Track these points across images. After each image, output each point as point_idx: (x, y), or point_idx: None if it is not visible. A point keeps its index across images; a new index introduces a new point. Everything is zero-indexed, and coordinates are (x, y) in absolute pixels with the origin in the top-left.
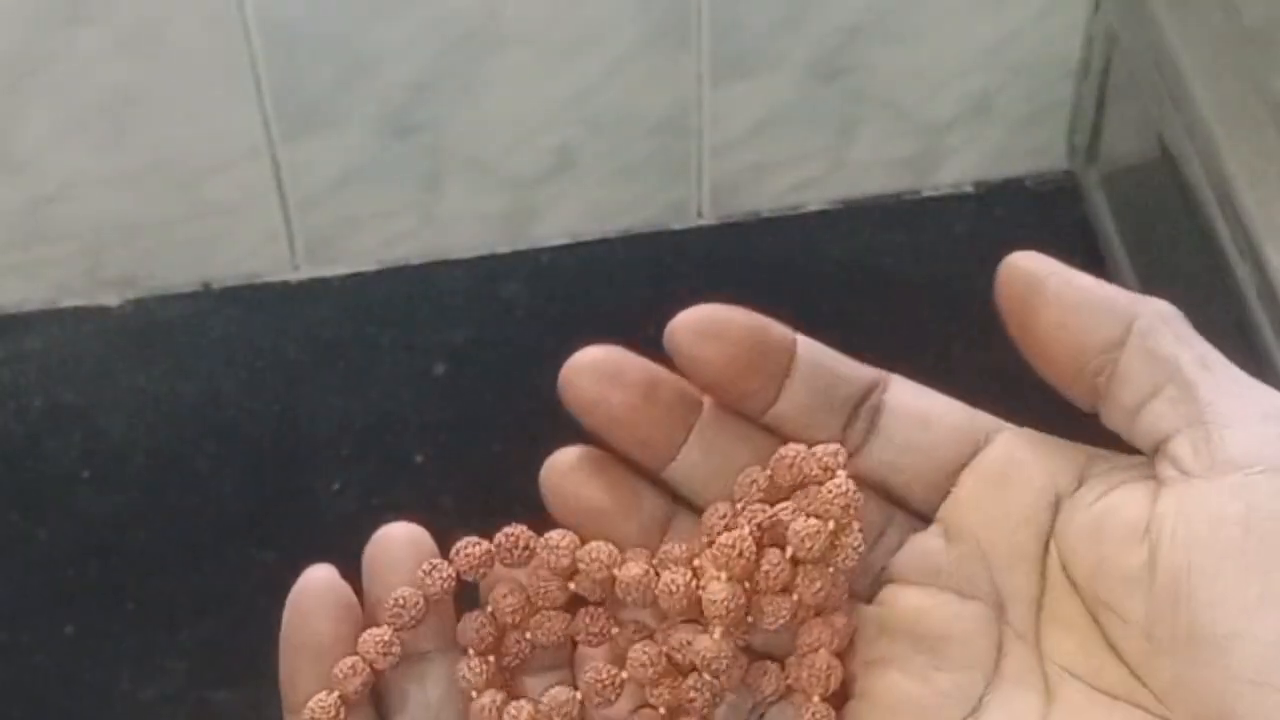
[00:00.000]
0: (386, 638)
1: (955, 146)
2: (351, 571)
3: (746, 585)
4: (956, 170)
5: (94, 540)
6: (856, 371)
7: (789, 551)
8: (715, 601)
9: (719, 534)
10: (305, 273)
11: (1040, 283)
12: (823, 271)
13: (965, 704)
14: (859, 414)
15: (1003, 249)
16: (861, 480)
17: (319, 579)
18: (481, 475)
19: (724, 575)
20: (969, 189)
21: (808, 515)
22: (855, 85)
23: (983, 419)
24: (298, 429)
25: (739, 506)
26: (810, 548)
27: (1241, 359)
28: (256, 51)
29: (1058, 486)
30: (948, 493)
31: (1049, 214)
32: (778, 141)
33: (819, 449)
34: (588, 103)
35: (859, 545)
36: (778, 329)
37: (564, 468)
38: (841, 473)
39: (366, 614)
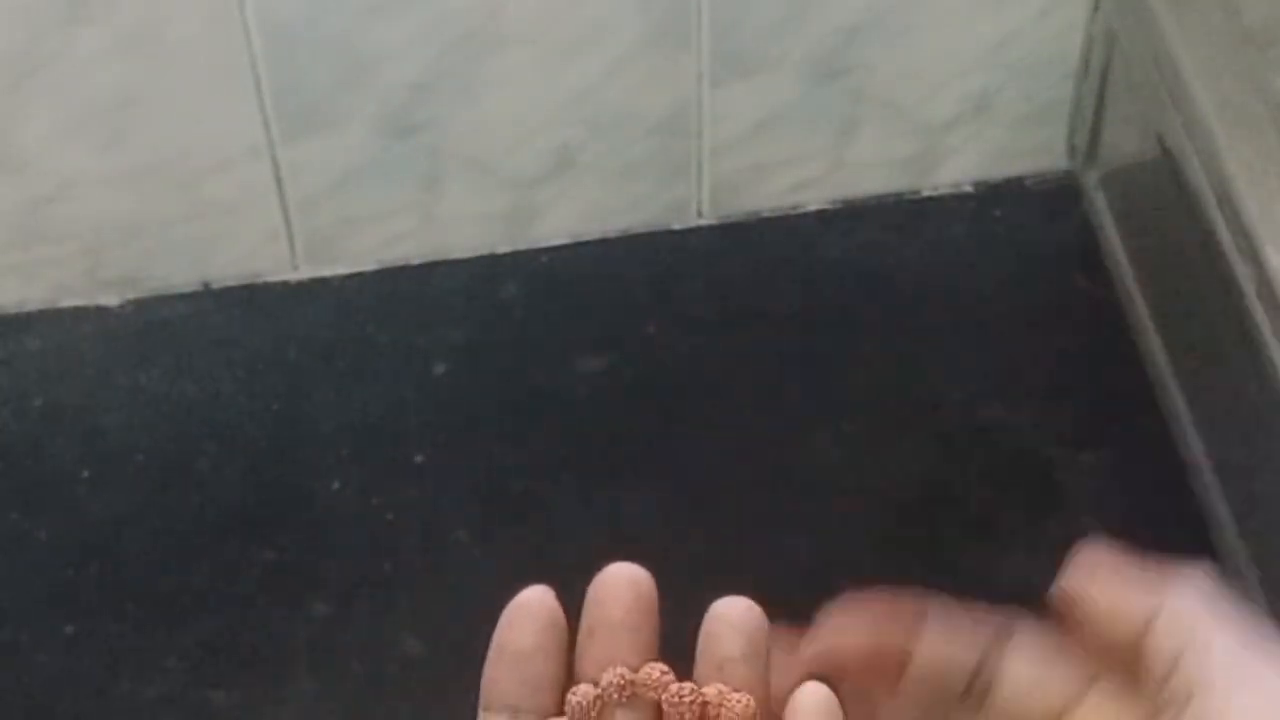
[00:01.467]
0: None
1: (955, 146)
2: (345, 568)
3: None
4: (956, 170)
5: (94, 540)
6: (970, 654)
7: None
8: None
9: None
10: (305, 273)
11: (1084, 593)
12: (823, 271)
13: None
14: (972, 691)
15: (1002, 249)
16: None
17: (533, 596)
18: (481, 475)
19: None
20: (969, 189)
21: None
22: (855, 85)
23: (1075, 682)
24: (298, 429)
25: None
26: None
27: (1241, 359)
28: (256, 51)
29: None
30: None
31: (1049, 214)
32: (778, 141)
33: (732, 699)
34: (588, 103)
35: None
36: (896, 643)
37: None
38: None
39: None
